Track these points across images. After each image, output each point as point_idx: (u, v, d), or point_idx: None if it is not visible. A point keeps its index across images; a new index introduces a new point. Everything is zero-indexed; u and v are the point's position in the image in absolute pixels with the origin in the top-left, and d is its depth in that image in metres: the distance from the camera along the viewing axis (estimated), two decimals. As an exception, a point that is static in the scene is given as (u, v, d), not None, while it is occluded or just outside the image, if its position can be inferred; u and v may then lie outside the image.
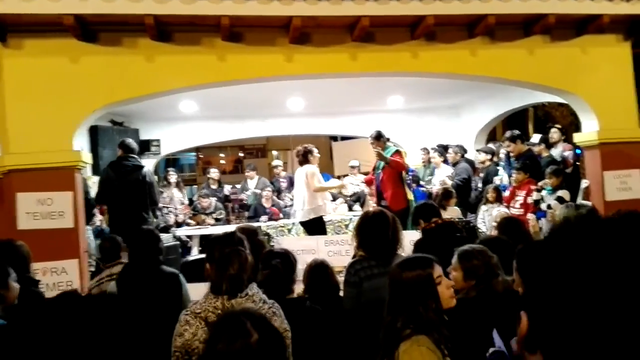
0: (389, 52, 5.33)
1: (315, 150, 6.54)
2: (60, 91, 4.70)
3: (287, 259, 2.94)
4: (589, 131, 5.87)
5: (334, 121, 10.18)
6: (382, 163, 6.44)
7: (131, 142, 5.89)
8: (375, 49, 5.29)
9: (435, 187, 7.64)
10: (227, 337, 1.30)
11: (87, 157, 5.11)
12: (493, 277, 2.54)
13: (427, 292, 2.02)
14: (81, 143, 5.80)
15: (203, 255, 3.29)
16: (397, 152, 6.56)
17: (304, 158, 6.40)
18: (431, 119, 10.14)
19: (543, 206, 5.81)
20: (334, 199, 8.27)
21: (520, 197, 6.20)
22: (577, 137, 6.13)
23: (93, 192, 6.13)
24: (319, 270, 3.35)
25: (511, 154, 6.74)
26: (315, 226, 6.21)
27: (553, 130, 7.14)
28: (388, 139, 6.84)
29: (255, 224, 6.60)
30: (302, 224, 6.51)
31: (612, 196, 5.51)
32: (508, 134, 6.73)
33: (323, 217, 6.41)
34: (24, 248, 3.30)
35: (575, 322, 0.72)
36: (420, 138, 9.72)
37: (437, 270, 2.09)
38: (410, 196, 6.42)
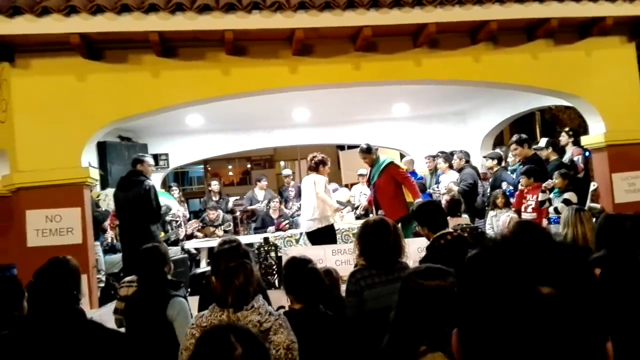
0: (392, 60, 5.35)
1: (329, 164, 6.47)
2: (68, 109, 4.77)
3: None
4: (596, 133, 5.84)
5: (340, 130, 10.21)
6: (377, 173, 6.45)
7: (137, 156, 5.94)
8: (379, 58, 5.31)
9: (441, 191, 7.64)
10: (211, 351, 1.30)
11: (95, 173, 5.16)
12: None
13: (447, 304, 1.90)
14: (89, 159, 5.88)
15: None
16: (392, 164, 6.54)
17: (316, 166, 6.33)
18: (437, 126, 10.14)
19: (550, 209, 5.77)
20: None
21: (532, 202, 6.15)
22: (584, 140, 6.10)
23: (103, 205, 6.23)
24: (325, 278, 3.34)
25: (517, 158, 6.73)
26: (325, 235, 6.10)
27: (562, 134, 7.12)
28: (377, 149, 6.85)
29: (262, 235, 6.63)
30: (310, 234, 6.38)
31: (621, 198, 5.46)
32: (515, 137, 6.71)
33: (333, 225, 6.30)
34: (73, 262, 3.28)
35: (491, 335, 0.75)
36: (427, 145, 9.72)
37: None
38: (411, 199, 6.37)
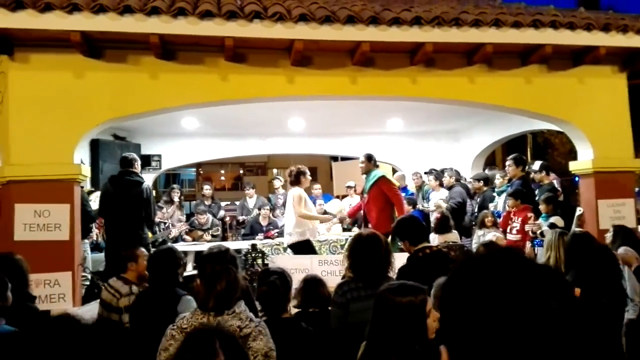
0: (388, 76, 5.43)
1: (308, 173, 6.45)
2: (64, 105, 4.79)
3: (283, 277, 2.96)
4: (584, 160, 5.93)
5: (334, 142, 10.28)
6: (368, 185, 6.48)
7: (129, 155, 5.84)
8: (375, 73, 5.39)
9: (430, 208, 7.70)
10: (194, 352, 1.34)
11: (87, 170, 5.16)
12: None
13: (417, 320, 1.99)
14: (82, 156, 5.85)
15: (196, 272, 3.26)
16: (383, 178, 6.58)
17: (296, 179, 6.31)
18: (430, 143, 10.24)
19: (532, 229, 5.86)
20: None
21: (517, 224, 6.21)
22: (572, 165, 6.19)
23: (92, 205, 6.16)
24: (313, 285, 3.38)
25: (507, 177, 6.80)
26: (302, 249, 6.07)
27: (508, 162, 7.04)
28: (376, 164, 6.89)
29: (250, 242, 6.64)
30: (290, 246, 6.36)
31: (606, 224, 5.52)
32: (515, 155, 6.71)
33: (310, 240, 6.25)
34: (22, 262, 3.27)
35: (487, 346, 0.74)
36: (419, 161, 9.80)
37: (429, 302, 2.07)
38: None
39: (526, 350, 0.73)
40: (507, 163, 6.75)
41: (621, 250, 3.98)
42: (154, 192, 8.98)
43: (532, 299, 0.76)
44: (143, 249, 4.08)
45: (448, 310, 0.84)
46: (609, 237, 4.53)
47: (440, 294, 0.90)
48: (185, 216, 8.79)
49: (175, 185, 8.93)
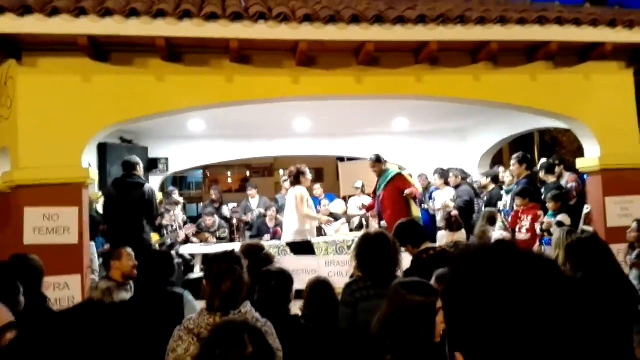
0: (393, 76, 5.42)
1: (308, 172, 6.50)
2: (72, 109, 4.82)
3: (283, 278, 2.95)
4: (591, 157, 5.90)
5: (340, 142, 10.26)
6: (383, 184, 6.49)
7: (131, 159, 5.90)
8: (380, 72, 5.38)
9: (437, 207, 7.69)
10: (224, 345, 1.35)
11: (95, 173, 5.20)
12: None
13: (426, 320, 1.99)
14: (89, 159, 5.89)
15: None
16: (399, 175, 6.59)
17: (296, 179, 6.37)
18: (436, 142, 10.20)
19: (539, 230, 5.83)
20: (336, 219, 8.29)
21: (526, 223, 6.17)
22: (579, 163, 6.15)
23: (99, 208, 6.22)
24: (320, 288, 3.38)
25: (514, 175, 6.78)
26: (301, 249, 6.12)
27: (512, 161, 7.02)
28: (386, 161, 6.92)
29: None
30: (288, 245, 6.45)
31: (613, 222, 5.49)
32: (518, 154, 6.72)
33: (311, 241, 6.31)
34: (37, 262, 3.29)
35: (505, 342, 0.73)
36: (426, 160, 9.77)
37: (439, 302, 2.09)
38: (418, 213, 6.43)
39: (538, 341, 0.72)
40: (512, 162, 6.74)
41: None
42: (160, 196, 9.05)
43: (539, 289, 0.75)
44: (129, 249, 4.10)
45: (454, 308, 0.82)
46: (632, 235, 4.38)
47: (442, 293, 0.87)
48: (186, 217, 8.83)
49: (171, 188, 8.99)
